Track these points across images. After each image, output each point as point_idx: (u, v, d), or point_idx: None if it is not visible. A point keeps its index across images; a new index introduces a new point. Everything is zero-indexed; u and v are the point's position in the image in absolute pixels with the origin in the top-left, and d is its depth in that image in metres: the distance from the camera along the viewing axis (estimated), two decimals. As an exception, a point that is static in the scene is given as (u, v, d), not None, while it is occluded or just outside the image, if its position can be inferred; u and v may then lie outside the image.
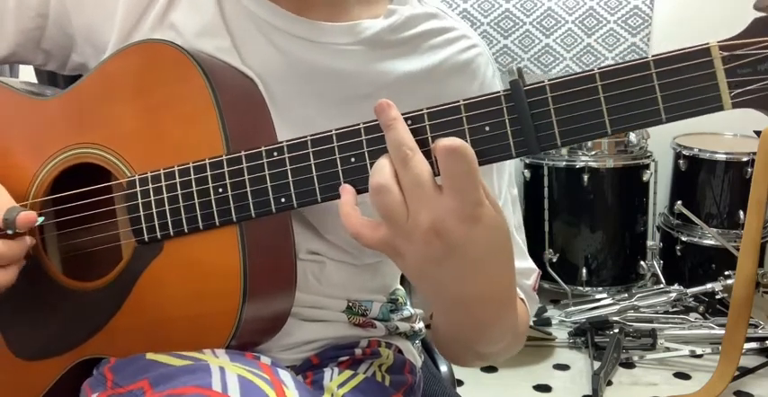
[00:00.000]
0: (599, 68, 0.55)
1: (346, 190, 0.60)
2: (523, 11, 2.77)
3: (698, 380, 2.06)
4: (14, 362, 0.75)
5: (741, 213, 2.35)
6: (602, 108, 0.55)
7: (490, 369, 2.17)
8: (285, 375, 0.59)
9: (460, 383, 1.96)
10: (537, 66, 2.80)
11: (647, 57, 0.54)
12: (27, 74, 1.02)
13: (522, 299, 0.79)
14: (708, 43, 0.53)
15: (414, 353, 0.90)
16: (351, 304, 0.83)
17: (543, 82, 0.56)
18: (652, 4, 2.67)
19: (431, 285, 0.61)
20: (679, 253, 2.51)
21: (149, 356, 0.63)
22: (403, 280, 0.97)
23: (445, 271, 0.58)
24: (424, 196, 0.55)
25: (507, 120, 0.56)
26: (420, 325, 0.94)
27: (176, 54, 0.69)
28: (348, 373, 0.77)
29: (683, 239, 2.49)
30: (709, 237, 2.41)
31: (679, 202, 2.46)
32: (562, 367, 2.19)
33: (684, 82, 0.53)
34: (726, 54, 0.52)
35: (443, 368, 1.02)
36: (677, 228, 2.53)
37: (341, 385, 0.75)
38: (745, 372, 2.04)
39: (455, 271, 0.58)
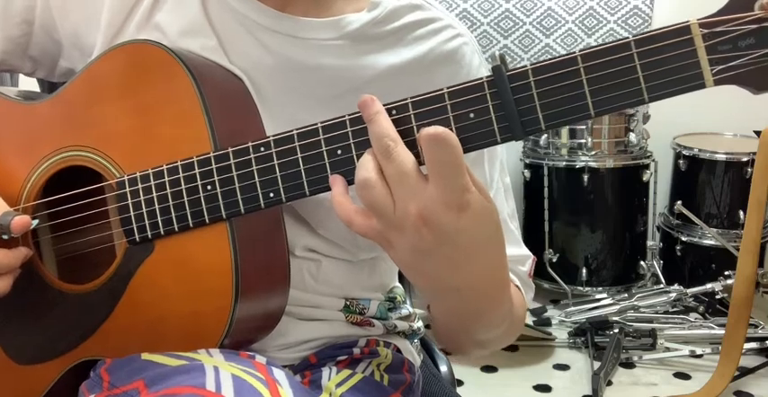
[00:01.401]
0: (580, 50, 0.55)
1: (337, 181, 0.60)
2: (523, 11, 2.77)
3: (698, 380, 2.06)
4: (11, 366, 0.75)
5: (741, 213, 2.35)
6: (585, 90, 0.55)
7: (490, 369, 2.17)
8: (280, 374, 0.59)
9: (460, 383, 1.96)
10: (537, 66, 2.80)
11: (627, 38, 0.54)
12: (28, 82, 1.02)
13: (517, 286, 0.79)
14: (687, 21, 0.53)
15: (412, 352, 0.90)
16: (348, 303, 0.83)
17: (526, 66, 0.56)
18: (652, 4, 2.67)
19: (423, 275, 0.61)
20: (679, 253, 2.50)
21: (145, 356, 0.63)
22: (402, 279, 0.97)
23: (436, 261, 0.58)
24: (409, 186, 0.55)
25: (491, 106, 0.57)
26: (419, 324, 0.94)
27: (161, 53, 0.69)
28: (346, 372, 0.77)
29: (683, 239, 2.49)
30: (709, 237, 2.41)
31: (679, 202, 2.46)
32: (562, 367, 2.19)
33: (666, 60, 0.53)
34: (706, 31, 0.52)
35: (443, 368, 1.02)
36: (677, 228, 2.53)
37: (339, 385, 0.75)
38: (745, 372, 2.04)
39: (446, 260, 0.58)
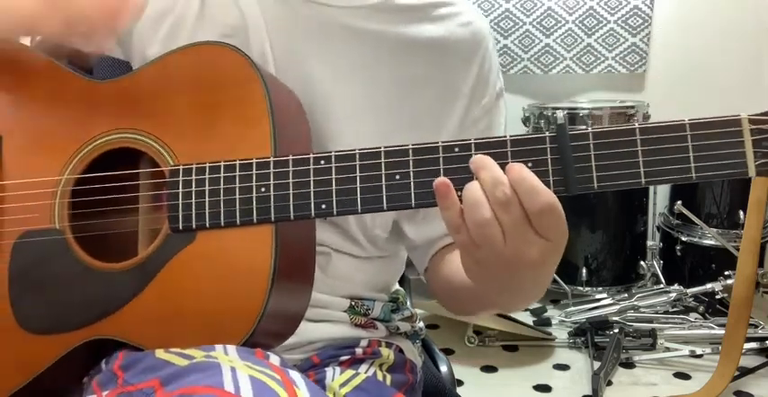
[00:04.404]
0: (639, 124, 0.60)
1: (449, 197, 0.60)
2: (523, 11, 2.77)
3: (698, 380, 2.06)
4: (20, 334, 0.74)
5: (741, 213, 2.35)
6: (639, 159, 0.59)
7: (490, 369, 2.17)
8: (296, 375, 0.59)
9: (460, 383, 1.96)
10: (537, 66, 2.80)
11: (683, 120, 0.59)
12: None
13: None
14: (739, 115, 0.58)
15: (414, 352, 0.90)
16: (353, 303, 0.83)
17: (587, 129, 0.60)
18: (652, 4, 2.67)
19: (505, 278, 0.64)
20: (679, 253, 2.50)
21: (159, 354, 0.63)
22: (402, 281, 0.97)
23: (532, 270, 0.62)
24: (526, 236, 0.58)
25: (549, 160, 0.60)
26: (420, 324, 0.94)
27: (240, 59, 0.71)
28: (350, 372, 0.78)
29: (683, 239, 2.49)
30: (709, 237, 2.41)
31: (679, 202, 2.46)
32: (562, 367, 2.19)
33: (715, 146, 0.58)
34: (754, 127, 0.57)
35: (443, 368, 1.02)
36: (677, 228, 2.53)
37: (343, 385, 0.75)
38: (745, 372, 2.04)
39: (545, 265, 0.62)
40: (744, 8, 2.62)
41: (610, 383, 2.07)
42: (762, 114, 0.58)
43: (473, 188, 0.59)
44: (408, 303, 0.95)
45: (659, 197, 2.60)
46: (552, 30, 2.76)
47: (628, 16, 2.69)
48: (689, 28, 2.69)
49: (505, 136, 0.61)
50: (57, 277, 0.74)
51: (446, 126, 0.81)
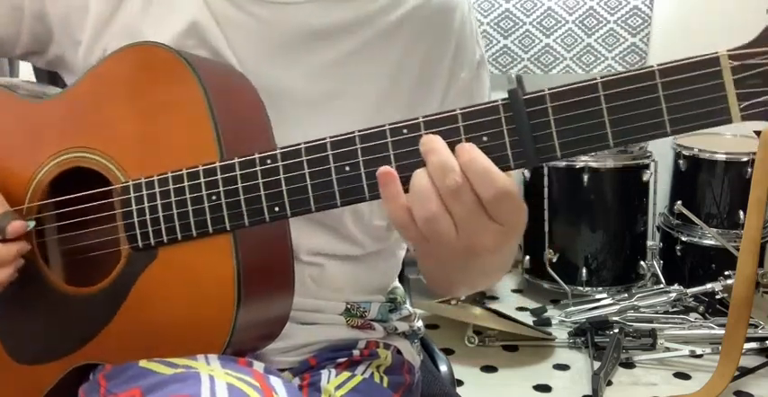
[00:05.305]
0: (601, 77, 0.52)
1: (393, 177, 0.55)
2: (523, 11, 2.77)
3: (698, 380, 2.06)
4: (12, 366, 0.75)
5: (741, 213, 2.35)
6: (605, 119, 0.52)
7: (490, 369, 2.17)
8: (276, 382, 0.59)
9: (460, 383, 1.96)
10: (537, 66, 2.79)
11: (652, 66, 0.51)
12: (26, 73, 1.01)
13: None
14: (717, 52, 0.50)
15: (413, 353, 0.90)
16: (349, 306, 0.82)
17: (543, 91, 0.54)
18: (652, 4, 2.67)
19: (452, 265, 0.62)
20: (679, 253, 2.50)
21: (142, 363, 0.63)
22: (401, 279, 0.97)
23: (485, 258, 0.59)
24: (480, 224, 0.55)
25: (506, 131, 0.55)
26: (419, 324, 0.94)
27: (171, 57, 0.68)
28: (346, 374, 0.78)
29: (683, 239, 2.49)
30: (709, 237, 2.41)
31: (679, 202, 2.46)
32: (562, 367, 2.19)
33: (691, 93, 0.50)
34: (735, 64, 0.49)
35: (443, 368, 1.02)
36: (677, 228, 2.53)
37: (338, 387, 0.75)
38: (745, 372, 2.04)
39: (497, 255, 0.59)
40: (744, 8, 2.62)
41: (610, 383, 2.07)
42: (743, 46, 0.49)
43: (420, 176, 0.54)
44: (408, 302, 0.95)
45: (659, 197, 2.60)
46: (552, 30, 2.76)
47: (628, 16, 2.69)
48: (689, 28, 2.69)
49: (455, 110, 0.55)
50: (37, 307, 0.74)
51: (429, 109, 0.78)
